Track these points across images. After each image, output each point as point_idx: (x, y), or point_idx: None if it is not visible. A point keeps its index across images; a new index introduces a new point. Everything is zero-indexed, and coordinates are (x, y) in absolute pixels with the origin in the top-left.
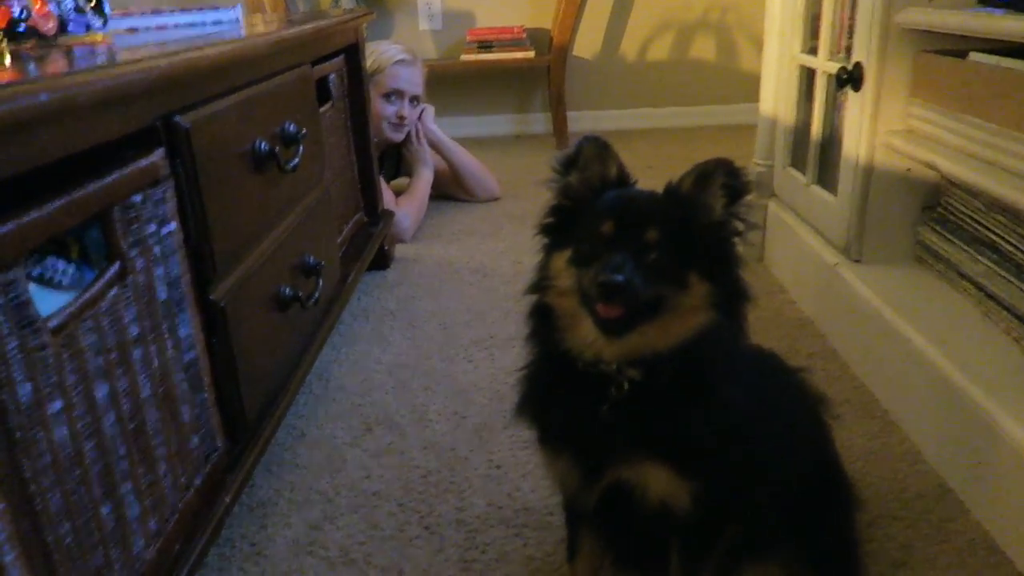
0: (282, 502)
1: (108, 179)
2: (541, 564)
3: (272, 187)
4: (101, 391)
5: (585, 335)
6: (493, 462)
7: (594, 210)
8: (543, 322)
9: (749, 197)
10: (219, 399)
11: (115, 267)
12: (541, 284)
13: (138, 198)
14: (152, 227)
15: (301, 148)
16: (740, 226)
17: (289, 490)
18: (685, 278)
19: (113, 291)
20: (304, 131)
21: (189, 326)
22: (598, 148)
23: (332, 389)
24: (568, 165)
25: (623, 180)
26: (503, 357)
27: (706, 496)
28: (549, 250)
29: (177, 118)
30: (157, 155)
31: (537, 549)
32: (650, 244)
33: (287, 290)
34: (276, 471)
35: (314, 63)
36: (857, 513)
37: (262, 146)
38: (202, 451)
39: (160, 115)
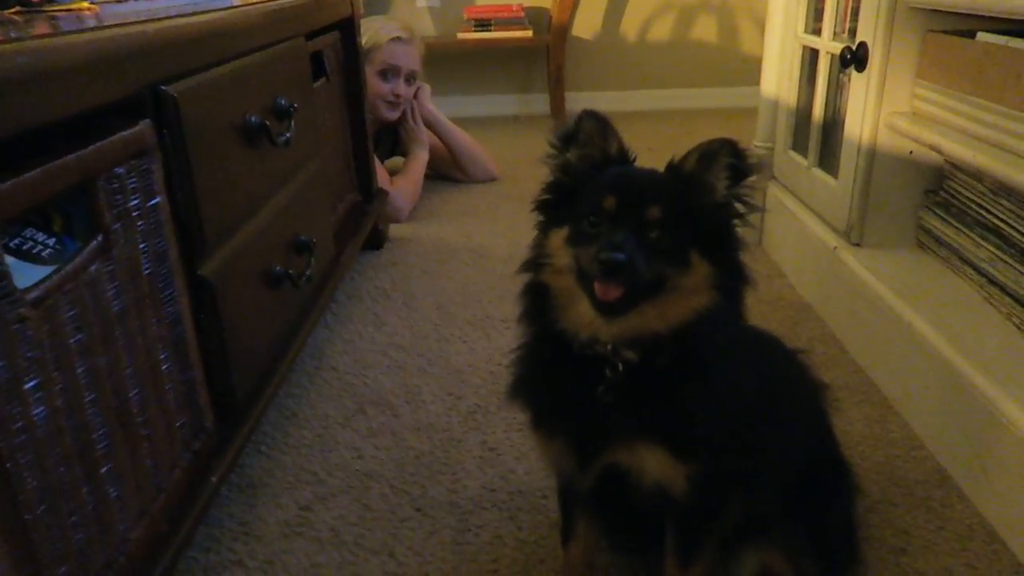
0: (272, 482)
1: (90, 148)
2: (535, 548)
3: (263, 162)
4: (82, 367)
5: (581, 315)
6: (487, 444)
7: (594, 186)
8: (538, 302)
9: (752, 178)
10: (208, 377)
11: (98, 240)
12: (537, 262)
13: (122, 169)
14: (137, 199)
15: (293, 123)
16: (742, 208)
17: (280, 470)
18: (687, 258)
19: (95, 264)
20: (297, 106)
21: (176, 302)
22: (598, 123)
23: (325, 368)
24: (567, 141)
25: (624, 156)
26: (499, 338)
27: (703, 480)
28: (546, 228)
29: (164, 87)
30: (143, 125)
31: (531, 532)
32: (652, 222)
33: (278, 267)
34: (266, 451)
35: (309, 37)
36: (856, 498)
37: (253, 119)
38: (190, 430)
39: (146, 84)
